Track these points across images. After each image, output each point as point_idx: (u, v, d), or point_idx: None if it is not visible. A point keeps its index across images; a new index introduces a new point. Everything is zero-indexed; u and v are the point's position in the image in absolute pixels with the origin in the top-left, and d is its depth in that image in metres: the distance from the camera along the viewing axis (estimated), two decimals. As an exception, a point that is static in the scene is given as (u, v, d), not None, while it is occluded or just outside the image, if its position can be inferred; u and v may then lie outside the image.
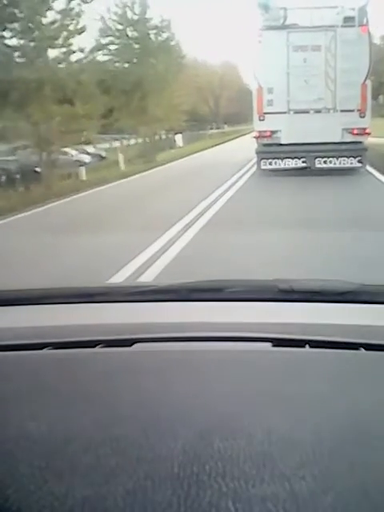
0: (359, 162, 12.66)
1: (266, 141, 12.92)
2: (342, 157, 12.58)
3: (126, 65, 26.42)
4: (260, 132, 12.95)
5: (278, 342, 1.02)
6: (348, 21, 12.49)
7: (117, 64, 26.41)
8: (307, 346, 1.01)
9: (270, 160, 12.91)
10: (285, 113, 12.66)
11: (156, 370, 0.94)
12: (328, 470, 0.64)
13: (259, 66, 12.62)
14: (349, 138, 12.61)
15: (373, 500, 0.60)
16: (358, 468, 0.65)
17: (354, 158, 12.61)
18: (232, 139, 44.88)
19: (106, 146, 29.76)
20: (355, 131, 12.55)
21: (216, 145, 37.10)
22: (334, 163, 12.67)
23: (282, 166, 12.84)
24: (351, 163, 12.66)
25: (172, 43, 28.17)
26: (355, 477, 0.64)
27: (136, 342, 1.05)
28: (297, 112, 12.66)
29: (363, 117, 12.53)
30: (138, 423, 0.76)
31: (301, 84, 12.43)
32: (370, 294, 1.29)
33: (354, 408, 0.80)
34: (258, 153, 13.19)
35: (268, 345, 1.02)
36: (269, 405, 0.80)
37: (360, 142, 12.68)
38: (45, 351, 1.04)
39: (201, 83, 64.29)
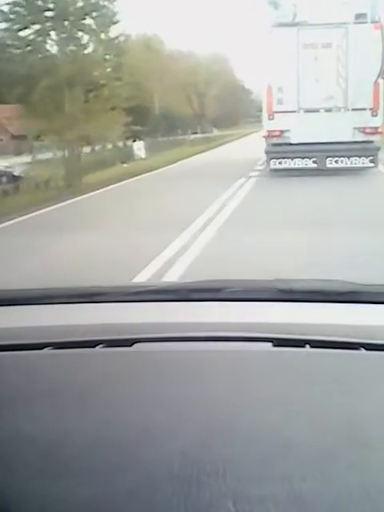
0: (371, 161, 12.56)
1: (275, 140, 12.85)
2: (353, 156, 12.49)
3: (32, 36, 16.39)
4: (269, 131, 12.89)
5: (278, 342, 1.03)
6: (360, 17, 12.39)
7: (20, 33, 16.40)
8: (307, 345, 1.02)
9: (279, 160, 12.84)
10: (295, 112, 12.58)
11: (156, 370, 0.95)
12: (328, 470, 0.65)
13: (269, 64, 12.55)
14: (360, 138, 12.51)
15: (373, 500, 0.61)
16: (358, 468, 0.67)
17: (366, 157, 12.51)
18: (218, 146, 35.99)
19: (50, 155, 20.47)
20: (367, 130, 12.45)
21: (194, 155, 26.94)
22: (346, 163, 12.57)
23: (292, 165, 12.77)
24: (363, 163, 12.57)
25: (104, 3, 16.85)
26: (355, 477, 0.65)
27: (136, 342, 1.06)
28: (307, 111, 12.58)
29: (375, 116, 12.43)
30: (138, 423, 0.77)
31: (311, 82, 12.35)
32: (370, 294, 1.30)
33: (354, 408, 0.81)
34: (267, 152, 13.13)
35: (268, 345, 1.03)
36: (269, 405, 0.81)
37: (372, 142, 12.59)
38: (45, 351, 1.05)
39: (183, 78, 54.33)
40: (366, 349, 1.00)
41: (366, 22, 12.37)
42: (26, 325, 1.22)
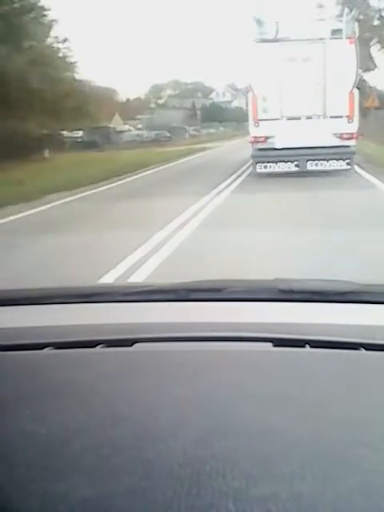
0: (348, 164, 12.72)
1: (260, 145, 12.95)
2: (331, 160, 12.64)
3: None
4: (255, 137, 13.00)
5: (278, 342, 0.96)
6: (336, 33, 12.54)
7: None
8: (307, 345, 0.95)
9: (264, 164, 12.95)
10: (278, 119, 12.68)
11: (156, 370, 0.89)
12: (328, 470, 0.60)
13: (254, 76, 12.62)
14: (338, 142, 12.64)
15: (374, 500, 0.56)
16: (358, 468, 0.61)
17: (343, 160, 12.66)
18: None
19: None
20: (344, 136, 12.59)
21: None
22: (325, 166, 12.72)
23: (276, 169, 12.88)
24: (340, 166, 12.71)
25: None
26: (356, 477, 0.60)
27: (136, 342, 0.99)
28: (289, 118, 12.68)
29: (351, 122, 12.55)
30: (138, 423, 0.71)
31: (293, 92, 12.45)
32: (371, 294, 1.22)
33: (355, 408, 0.75)
34: (253, 157, 13.26)
35: (268, 345, 0.96)
36: (269, 405, 0.75)
37: (348, 146, 12.70)
38: (45, 351, 0.99)
39: None
40: (366, 349, 0.93)
41: (341, 38, 12.46)
42: (26, 325, 1.14)
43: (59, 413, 0.74)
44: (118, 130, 42.03)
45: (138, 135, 42.20)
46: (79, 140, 36.48)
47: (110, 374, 0.87)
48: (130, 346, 0.98)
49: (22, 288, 1.40)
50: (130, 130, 44.62)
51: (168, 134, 43.37)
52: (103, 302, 1.27)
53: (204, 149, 29.20)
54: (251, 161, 13.49)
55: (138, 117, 52.16)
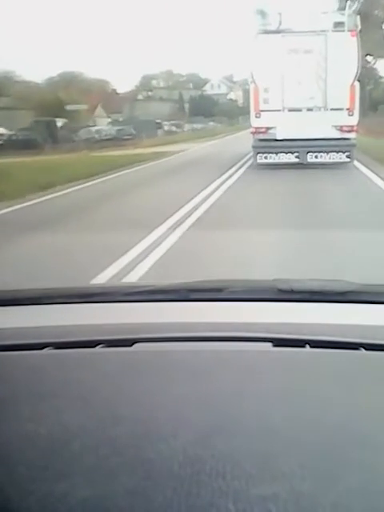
0: (348, 157, 12.64)
1: (261, 136, 12.88)
2: (331, 152, 12.57)
3: None
4: (256, 128, 12.94)
5: (278, 342, 0.95)
6: (338, 26, 12.44)
7: None
8: (307, 345, 0.94)
9: (265, 154, 12.87)
10: (279, 110, 12.59)
11: (156, 370, 0.87)
12: (329, 470, 0.59)
13: (256, 67, 12.52)
14: (338, 135, 12.57)
15: (373, 500, 0.55)
16: (358, 468, 0.61)
17: (343, 153, 12.59)
18: None
19: None
20: (344, 128, 12.52)
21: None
22: (325, 158, 12.65)
23: (276, 160, 12.81)
24: (340, 158, 12.64)
25: None
26: (356, 477, 0.59)
27: (136, 342, 0.98)
28: (290, 110, 12.60)
29: (352, 115, 12.48)
30: (138, 423, 0.70)
31: (294, 84, 12.37)
32: (371, 294, 1.21)
33: (354, 408, 0.74)
34: (254, 147, 13.17)
35: (268, 345, 0.95)
36: (269, 405, 0.74)
37: (348, 139, 12.63)
38: (45, 351, 0.97)
39: None
40: (366, 349, 0.92)
41: (343, 31, 12.35)
42: (26, 325, 1.12)
43: (59, 413, 0.73)
44: (80, 125, 34.00)
45: (97, 132, 33.34)
46: (14, 139, 28.29)
47: (110, 374, 0.86)
48: (130, 346, 0.97)
49: (22, 288, 1.38)
50: (93, 126, 35.42)
51: (133, 131, 34.17)
52: (103, 302, 1.25)
53: (161, 155, 20.32)
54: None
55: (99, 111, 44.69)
